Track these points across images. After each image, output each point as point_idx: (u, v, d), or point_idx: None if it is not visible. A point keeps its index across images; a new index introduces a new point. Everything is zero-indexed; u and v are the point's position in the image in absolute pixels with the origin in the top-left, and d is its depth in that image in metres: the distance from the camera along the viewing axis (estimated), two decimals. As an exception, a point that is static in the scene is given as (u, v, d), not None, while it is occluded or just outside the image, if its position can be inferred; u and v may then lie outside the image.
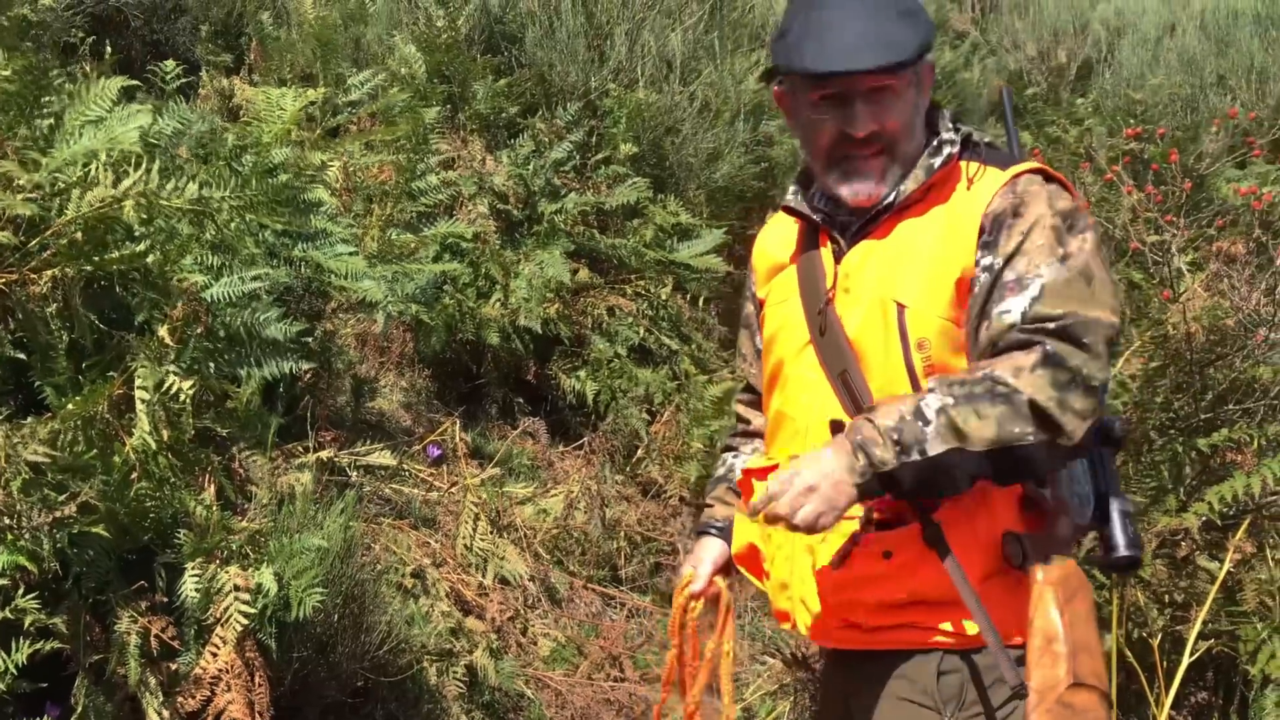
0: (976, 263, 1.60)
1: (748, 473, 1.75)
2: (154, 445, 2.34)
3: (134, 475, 2.32)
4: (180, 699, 2.29)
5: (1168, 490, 2.74)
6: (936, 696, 1.65)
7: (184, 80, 3.69)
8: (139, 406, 2.32)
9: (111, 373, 2.41)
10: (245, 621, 2.30)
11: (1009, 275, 1.57)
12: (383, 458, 3.51)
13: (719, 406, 4.21)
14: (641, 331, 4.48)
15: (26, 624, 2.04)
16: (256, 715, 2.33)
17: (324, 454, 3.21)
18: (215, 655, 2.30)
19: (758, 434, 1.89)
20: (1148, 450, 2.74)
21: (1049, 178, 1.64)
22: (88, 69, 3.74)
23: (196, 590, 2.30)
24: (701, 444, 4.19)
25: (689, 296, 4.74)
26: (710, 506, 1.92)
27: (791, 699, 2.86)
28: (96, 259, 2.46)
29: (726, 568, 1.85)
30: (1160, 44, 5.99)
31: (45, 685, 2.15)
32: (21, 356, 2.32)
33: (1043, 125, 6.25)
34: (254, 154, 3.29)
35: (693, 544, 1.94)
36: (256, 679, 2.35)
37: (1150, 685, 2.63)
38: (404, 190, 4.07)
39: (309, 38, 4.66)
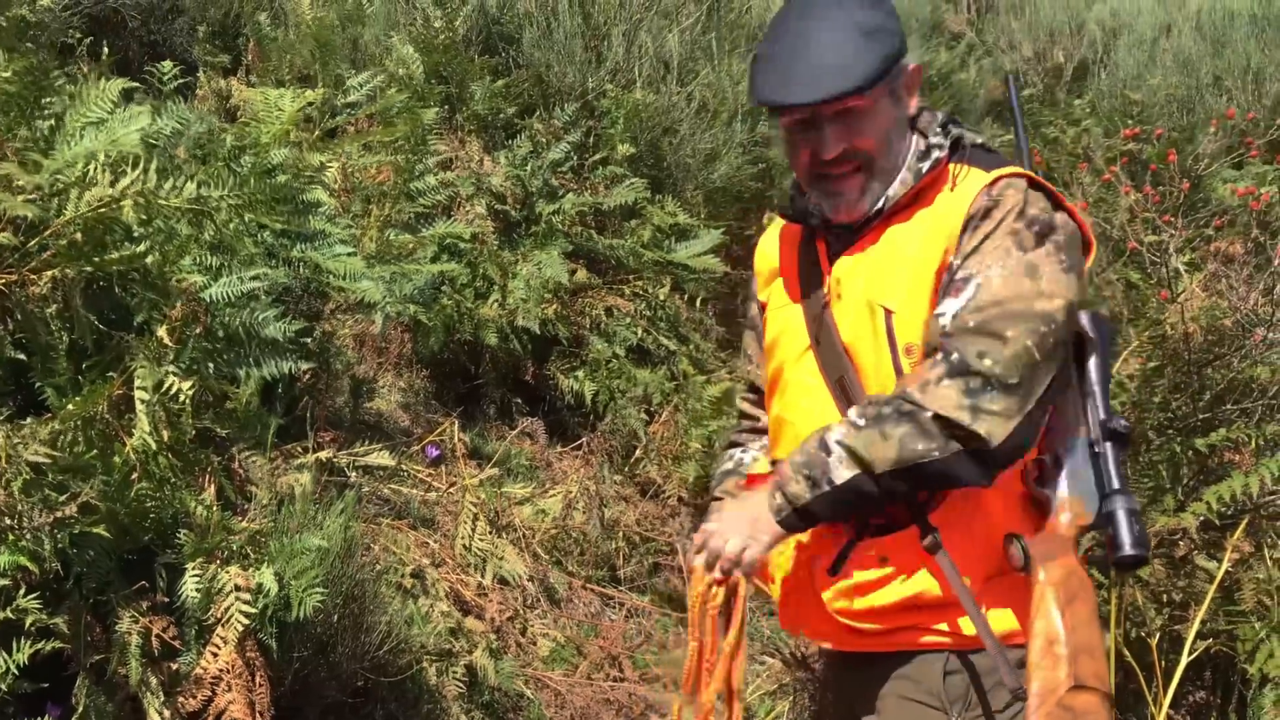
0: (949, 266, 1.61)
1: (752, 478, 1.78)
2: (154, 445, 2.34)
3: (134, 475, 2.32)
4: (181, 699, 2.29)
5: (1166, 490, 2.74)
6: (943, 697, 1.65)
7: (181, 81, 3.69)
8: (139, 407, 2.32)
9: (111, 373, 2.41)
10: (246, 621, 2.30)
11: (960, 275, 1.58)
12: (381, 458, 3.52)
13: (717, 407, 4.22)
14: (639, 332, 4.48)
15: (27, 624, 2.04)
16: (257, 715, 2.33)
17: (323, 454, 3.21)
18: (216, 655, 2.30)
19: (764, 430, 1.90)
20: (1145, 450, 2.75)
21: (1034, 184, 1.62)
22: (85, 70, 3.75)
23: (197, 590, 2.30)
24: (700, 444, 4.20)
25: (687, 297, 4.75)
26: (719, 500, 1.93)
27: (791, 699, 2.87)
28: (96, 259, 2.46)
29: None
30: (1156, 45, 6.00)
31: (46, 685, 2.15)
32: (22, 357, 2.32)
33: (1039, 126, 6.27)
34: (252, 154, 3.29)
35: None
36: (257, 679, 2.35)
37: (1148, 684, 2.63)
38: (402, 191, 4.07)
39: (306, 39, 4.66)
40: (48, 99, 2.50)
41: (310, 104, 3.83)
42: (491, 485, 3.77)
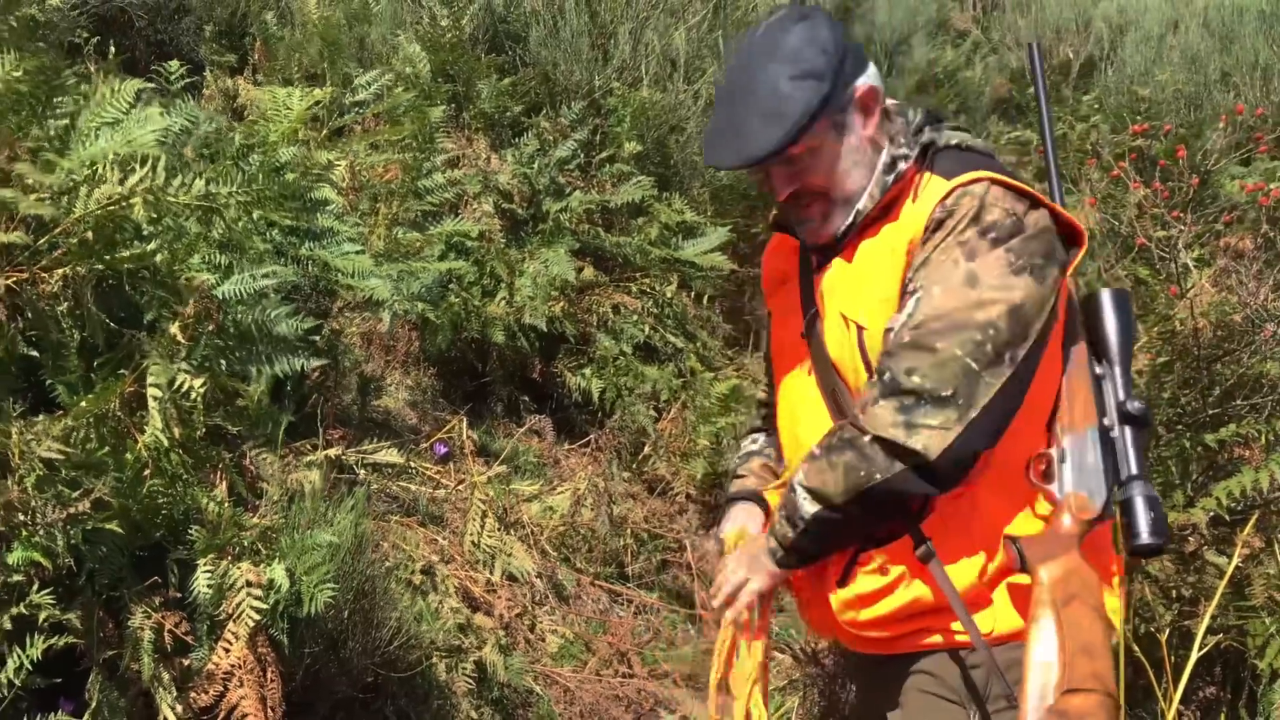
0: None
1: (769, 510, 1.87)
2: (166, 442, 2.35)
3: (146, 472, 2.33)
4: (193, 694, 2.29)
5: (1175, 485, 2.74)
6: (962, 691, 1.66)
7: (188, 80, 3.70)
8: (151, 404, 2.33)
9: (122, 371, 2.42)
10: (257, 617, 2.31)
11: (909, 288, 1.59)
12: (390, 456, 3.52)
13: (725, 404, 4.22)
14: (647, 329, 4.48)
15: (41, 620, 2.05)
16: (269, 710, 2.34)
17: (332, 452, 3.22)
18: (228, 651, 2.31)
19: None
20: (1155, 446, 2.74)
21: (999, 185, 1.60)
22: (92, 69, 3.76)
23: (209, 586, 2.30)
24: (708, 441, 4.20)
25: (694, 294, 4.74)
26: (742, 477, 1.96)
27: (801, 694, 2.87)
28: (107, 258, 2.47)
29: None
30: (1163, 41, 5.99)
31: (59, 681, 2.16)
32: (34, 354, 2.33)
33: (1046, 123, 6.25)
34: (261, 153, 3.30)
35: (728, 510, 1.96)
36: (269, 674, 2.35)
37: (1158, 680, 2.63)
38: (410, 189, 4.08)
39: (313, 38, 4.66)
40: (59, 99, 2.50)
41: (318, 103, 3.84)
42: (499, 482, 3.77)
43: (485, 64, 4.83)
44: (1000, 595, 1.65)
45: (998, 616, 1.65)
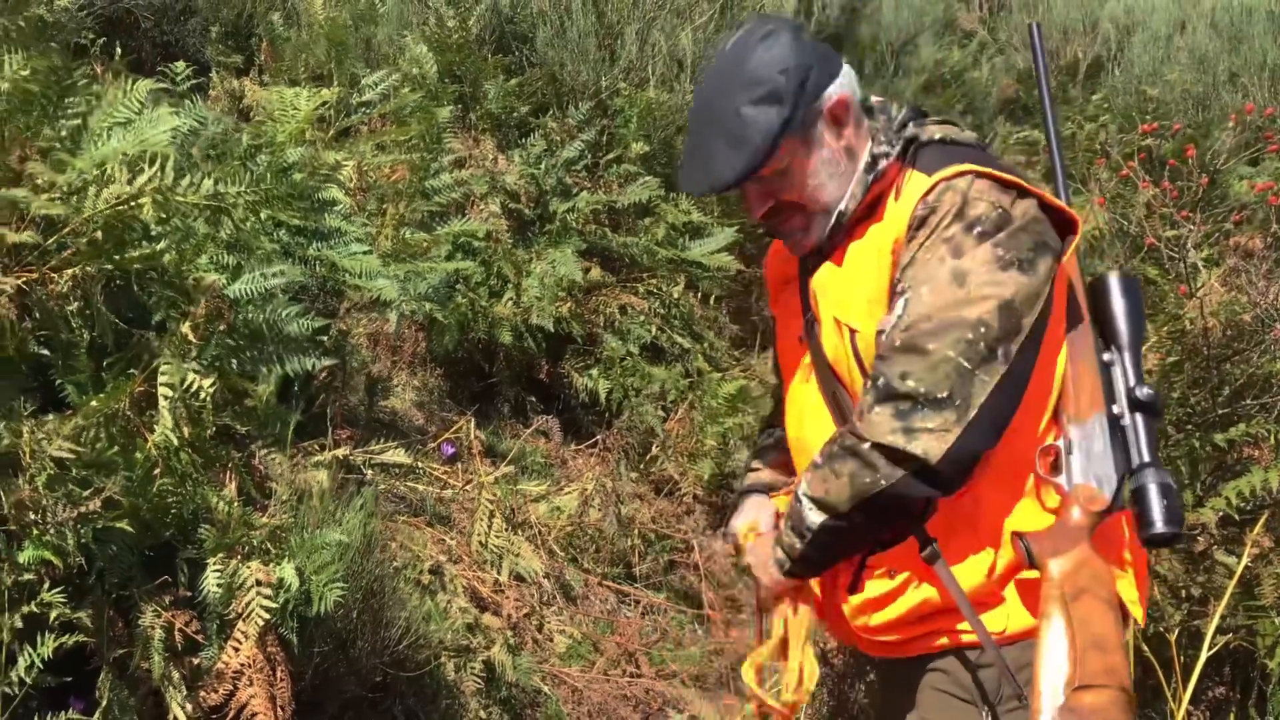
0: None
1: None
2: (176, 442, 2.35)
3: (156, 471, 2.33)
4: (203, 693, 2.30)
5: (1184, 485, 2.74)
6: (974, 691, 1.66)
7: (194, 81, 3.70)
8: (161, 403, 2.33)
9: (132, 370, 2.42)
10: (267, 616, 2.31)
11: (898, 290, 1.57)
12: (397, 456, 3.53)
13: (733, 404, 4.22)
14: (654, 330, 4.48)
15: (52, 618, 2.06)
16: (278, 710, 2.34)
17: (340, 452, 3.22)
18: (237, 650, 2.31)
19: None
20: (1164, 445, 2.74)
21: (981, 176, 1.57)
22: (99, 70, 3.76)
23: (219, 585, 2.31)
24: (715, 441, 4.20)
25: (701, 295, 4.74)
26: (756, 470, 1.96)
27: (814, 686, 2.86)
28: (117, 258, 2.47)
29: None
30: (1171, 42, 5.98)
31: (69, 679, 2.17)
32: (45, 353, 2.33)
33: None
34: (268, 153, 3.30)
35: (741, 502, 1.96)
36: (278, 673, 2.36)
37: (1167, 680, 2.63)
38: (417, 189, 4.08)
39: (319, 38, 4.67)
40: (70, 98, 2.51)
41: (325, 103, 3.84)
42: (507, 483, 3.77)
43: (492, 64, 4.84)
44: (1011, 593, 1.64)
45: (1010, 615, 1.64)
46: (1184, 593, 2.72)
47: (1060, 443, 1.63)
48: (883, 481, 1.52)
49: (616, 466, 4.10)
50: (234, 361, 2.61)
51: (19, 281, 2.29)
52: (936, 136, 1.65)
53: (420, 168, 4.13)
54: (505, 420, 4.33)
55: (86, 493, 2.14)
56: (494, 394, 4.39)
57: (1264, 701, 2.74)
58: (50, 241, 2.44)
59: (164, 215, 2.51)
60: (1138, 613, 1.68)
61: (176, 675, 2.27)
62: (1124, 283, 1.68)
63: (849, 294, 1.64)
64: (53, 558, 2.04)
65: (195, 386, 2.39)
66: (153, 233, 2.55)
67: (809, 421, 1.75)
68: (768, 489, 1.91)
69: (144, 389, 2.41)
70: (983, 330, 1.50)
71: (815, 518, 1.60)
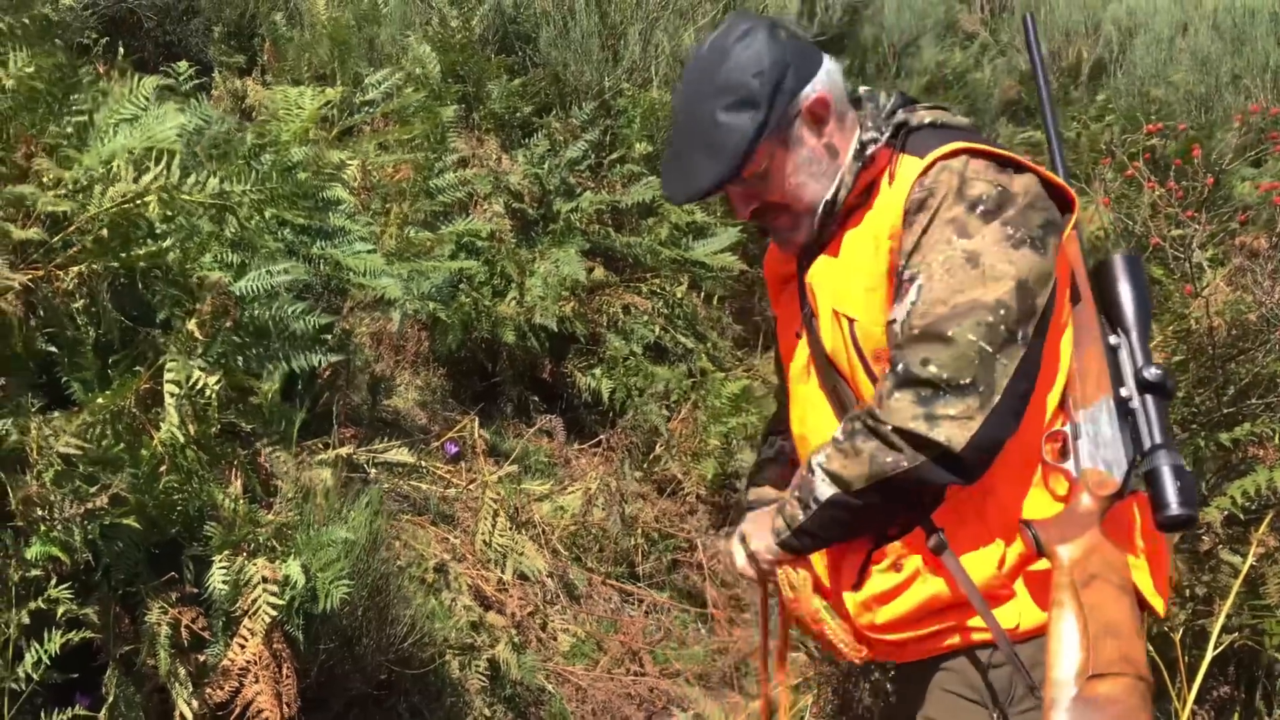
0: (897, 268, 1.56)
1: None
2: (181, 439, 2.35)
3: (162, 468, 2.33)
4: (209, 690, 2.30)
5: (1189, 484, 2.73)
6: (984, 692, 1.62)
7: (197, 82, 3.71)
8: (168, 400, 2.33)
9: (138, 368, 2.42)
10: (273, 613, 2.31)
11: (906, 276, 1.53)
12: (400, 455, 3.52)
13: (736, 404, 4.22)
14: (657, 330, 4.48)
15: (59, 614, 2.05)
16: (284, 706, 2.34)
17: (343, 450, 3.22)
18: (243, 646, 2.31)
19: None
20: (1169, 444, 2.74)
21: (975, 155, 1.54)
22: (102, 70, 3.77)
23: (224, 582, 2.30)
24: (719, 441, 4.20)
25: (704, 295, 4.75)
26: (759, 486, 1.93)
27: (815, 692, 2.87)
28: (123, 255, 2.47)
29: None
30: (1173, 43, 5.99)
31: (75, 675, 2.16)
32: (54, 350, 2.33)
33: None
34: (273, 152, 3.30)
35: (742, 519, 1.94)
36: (284, 670, 2.36)
37: (1172, 679, 2.62)
38: (421, 188, 4.09)
39: (322, 38, 4.67)
40: (76, 96, 2.51)
41: (329, 103, 3.85)
42: (510, 482, 3.77)
43: (495, 64, 4.84)
44: (1021, 587, 1.60)
45: (1022, 610, 1.59)
46: (1189, 592, 2.72)
47: (1067, 428, 1.59)
48: (905, 463, 1.48)
49: (620, 466, 4.10)
50: (239, 359, 2.61)
51: (25, 279, 2.29)
52: (927, 121, 1.62)
53: (424, 167, 4.14)
54: (508, 420, 4.33)
55: (93, 489, 2.14)
56: (497, 393, 4.39)
57: (1270, 700, 2.74)
58: (56, 239, 2.44)
59: (169, 213, 2.51)
60: (1156, 601, 1.63)
61: (183, 672, 2.27)
62: (1128, 264, 1.64)
63: (846, 284, 1.62)
64: (60, 554, 2.04)
65: (201, 384, 2.39)
66: (158, 231, 2.55)
67: (811, 418, 1.73)
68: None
69: (149, 386, 2.41)
70: (1002, 312, 1.47)
71: (826, 490, 1.56)
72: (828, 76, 1.64)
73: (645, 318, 4.48)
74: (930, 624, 1.63)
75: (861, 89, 1.73)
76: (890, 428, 1.49)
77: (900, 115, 1.64)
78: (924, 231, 1.52)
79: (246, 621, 2.32)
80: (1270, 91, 5.21)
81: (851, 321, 1.61)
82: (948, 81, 6.94)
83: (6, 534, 2.03)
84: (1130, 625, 1.51)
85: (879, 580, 1.64)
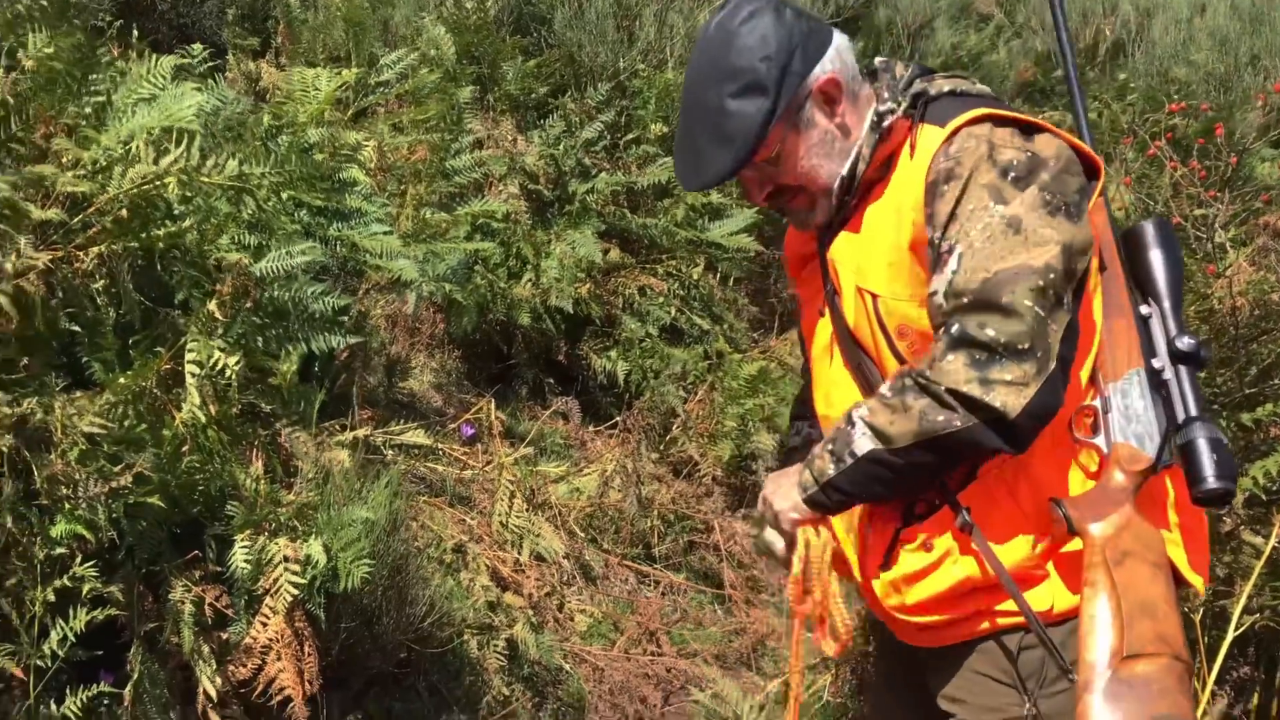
0: (927, 238, 1.52)
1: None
2: (203, 419, 2.36)
3: (184, 448, 2.34)
4: (232, 667, 2.31)
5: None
6: (1014, 674, 1.59)
7: (211, 64, 3.70)
8: (189, 380, 2.34)
9: (158, 348, 2.43)
10: (295, 592, 2.32)
11: (943, 248, 1.49)
12: (417, 437, 3.53)
13: (753, 386, 4.21)
14: (673, 311, 4.47)
15: (84, 592, 2.07)
16: (306, 684, 2.35)
17: (360, 432, 3.23)
18: (266, 625, 2.33)
19: None
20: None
21: (1000, 122, 1.51)
22: (116, 52, 3.76)
23: (246, 561, 2.32)
24: (735, 423, 4.19)
25: (720, 276, 4.73)
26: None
27: (831, 673, 2.87)
28: (143, 236, 2.48)
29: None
30: (1191, 24, 5.94)
31: (100, 653, 2.18)
32: (77, 329, 2.34)
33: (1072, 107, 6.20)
34: (289, 134, 3.30)
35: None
36: (306, 648, 2.37)
37: (1192, 660, 2.62)
38: (438, 169, 4.08)
39: (336, 20, 4.66)
40: (95, 76, 2.51)
41: (346, 84, 3.84)
42: (526, 464, 3.78)
43: (510, 46, 4.82)
44: (1054, 568, 1.57)
45: (1055, 592, 1.56)
46: (1210, 572, 2.71)
47: (1097, 402, 1.55)
48: (957, 423, 1.43)
49: (637, 448, 4.10)
50: (259, 339, 2.62)
51: (48, 258, 2.29)
52: (946, 89, 1.59)
53: (440, 148, 4.13)
54: (523, 402, 4.33)
55: (117, 468, 2.15)
56: (512, 375, 4.39)
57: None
58: (76, 220, 2.45)
59: (188, 194, 2.51)
60: (1194, 578, 1.60)
61: (206, 649, 2.29)
62: (1160, 230, 1.61)
63: (868, 260, 1.60)
64: (85, 532, 2.05)
65: (221, 364, 2.40)
66: (176, 212, 2.55)
67: (836, 397, 1.70)
68: None
69: (170, 367, 2.42)
70: (1050, 276, 1.43)
71: (866, 444, 1.50)
72: (838, 55, 1.61)
73: (661, 299, 4.47)
74: (960, 607, 1.60)
75: (877, 60, 1.71)
76: (944, 388, 1.44)
77: (918, 85, 1.61)
78: (957, 201, 1.48)
79: (268, 600, 2.34)
80: (1290, 71, 5.17)
81: (875, 297, 1.58)
82: (963, 63, 6.89)
83: (32, 512, 2.05)
84: (1166, 604, 1.47)
85: (908, 560, 1.61)
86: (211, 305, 2.40)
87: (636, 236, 4.61)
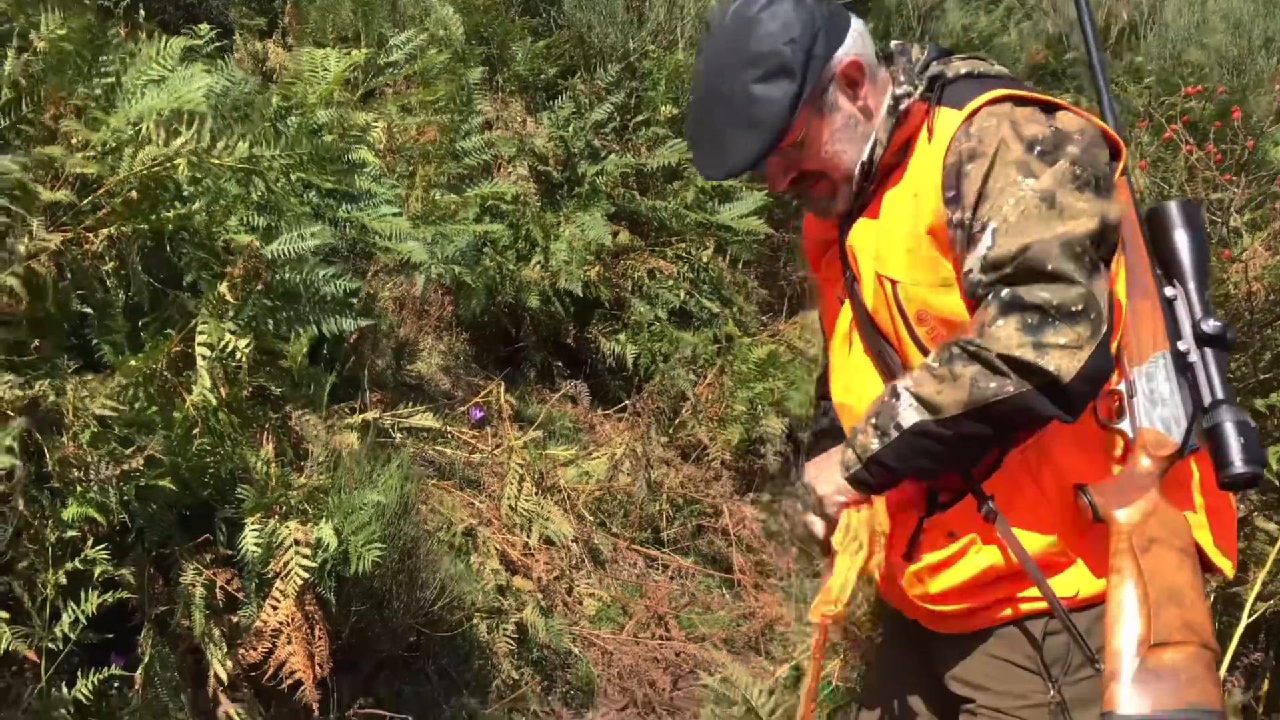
0: (948, 221, 1.50)
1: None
2: (214, 401, 2.36)
3: (195, 431, 2.34)
4: (242, 650, 2.32)
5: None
6: (1038, 661, 1.57)
7: (217, 44, 3.68)
8: (200, 363, 2.34)
9: (168, 330, 2.43)
10: (305, 575, 2.32)
11: (975, 226, 1.46)
12: (425, 420, 3.52)
13: (763, 369, 4.20)
14: (682, 294, 4.46)
15: (95, 575, 2.07)
16: (316, 667, 2.35)
17: (369, 415, 3.22)
18: (276, 608, 2.33)
19: None
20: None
21: (1020, 101, 1.50)
22: (124, 32, 3.74)
23: (257, 545, 2.31)
24: (744, 407, 4.19)
25: (730, 259, 4.71)
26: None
27: (841, 658, 2.86)
28: (152, 218, 2.47)
29: None
30: (1205, 5, 5.89)
31: (111, 636, 2.18)
32: (88, 311, 2.33)
33: (1083, 91, 6.17)
34: (299, 115, 3.28)
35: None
36: (316, 632, 2.37)
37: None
38: (447, 151, 4.06)
39: (344, 0, 4.63)
40: (105, 56, 2.50)
41: (355, 65, 3.82)
42: (535, 448, 3.77)
43: (519, 26, 4.80)
44: (1078, 554, 1.55)
45: (1079, 578, 1.55)
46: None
47: (1121, 386, 1.53)
48: (1010, 388, 1.40)
49: (647, 431, 4.10)
50: (270, 322, 2.61)
51: (59, 240, 2.28)
52: (963, 71, 1.57)
53: (450, 129, 4.11)
54: (532, 385, 4.32)
55: (128, 451, 2.15)
56: (520, 358, 4.38)
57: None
58: (85, 201, 2.44)
59: (197, 176, 2.50)
60: (1222, 562, 1.58)
61: (217, 632, 2.29)
62: (1185, 211, 1.58)
63: (887, 245, 1.58)
64: (96, 515, 2.05)
65: (231, 347, 2.40)
66: (185, 193, 2.54)
67: (856, 386, 1.68)
68: None
69: (181, 349, 2.41)
70: (1090, 244, 1.41)
71: (913, 416, 1.47)
72: (859, 37, 1.60)
73: (670, 282, 4.46)
74: (984, 595, 1.59)
75: (893, 43, 1.69)
76: (995, 354, 1.41)
77: (935, 68, 1.60)
78: (984, 179, 1.46)
79: (279, 583, 2.34)
80: (1305, 54, 5.13)
81: (894, 284, 1.56)
82: (974, 45, 6.84)
83: (44, 495, 2.04)
84: (1193, 591, 1.46)
85: (933, 550, 1.60)
86: (223, 288, 2.39)
87: (646, 219, 4.59)
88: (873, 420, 1.53)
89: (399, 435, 3.41)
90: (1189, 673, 1.42)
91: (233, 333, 2.42)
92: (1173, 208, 1.58)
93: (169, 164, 2.42)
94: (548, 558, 3.46)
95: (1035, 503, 1.55)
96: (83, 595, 2.06)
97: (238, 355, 2.41)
